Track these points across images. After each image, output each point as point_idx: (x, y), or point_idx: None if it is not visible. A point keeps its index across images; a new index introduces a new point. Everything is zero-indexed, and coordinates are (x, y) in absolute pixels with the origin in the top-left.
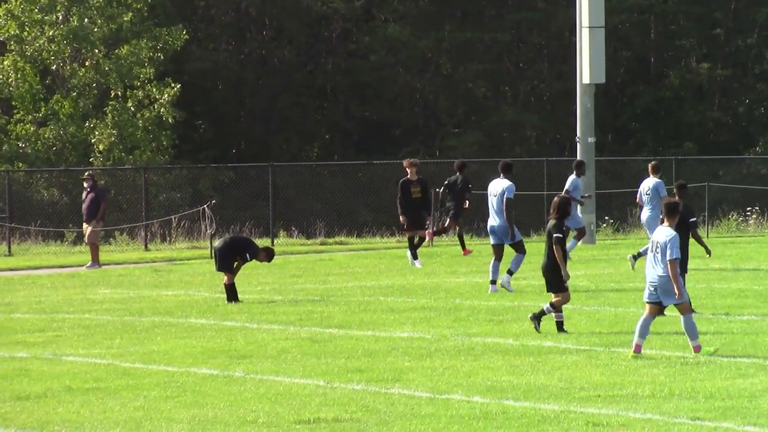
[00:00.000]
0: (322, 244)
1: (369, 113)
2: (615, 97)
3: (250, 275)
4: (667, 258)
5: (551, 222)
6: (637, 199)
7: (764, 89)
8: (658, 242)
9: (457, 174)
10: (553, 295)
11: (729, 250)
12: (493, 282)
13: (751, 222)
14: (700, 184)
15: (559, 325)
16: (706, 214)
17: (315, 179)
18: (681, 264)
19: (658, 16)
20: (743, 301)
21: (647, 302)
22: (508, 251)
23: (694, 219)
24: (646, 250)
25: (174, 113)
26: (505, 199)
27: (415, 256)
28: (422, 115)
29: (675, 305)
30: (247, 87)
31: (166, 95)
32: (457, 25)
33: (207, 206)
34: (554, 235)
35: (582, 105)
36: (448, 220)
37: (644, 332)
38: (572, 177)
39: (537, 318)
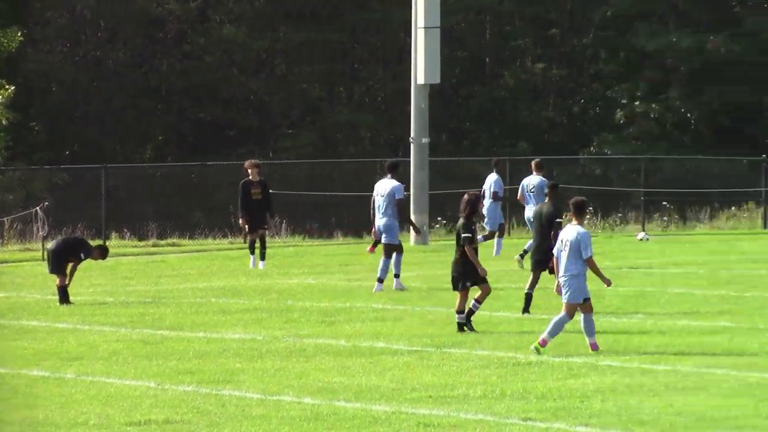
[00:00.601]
0: (154, 245)
1: (204, 114)
2: (450, 98)
3: (83, 277)
4: (584, 257)
5: (460, 221)
6: (518, 197)
7: (599, 89)
8: (568, 240)
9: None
10: (460, 293)
11: None
12: (380, 280)
13: (585, 222)
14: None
15: (470, 314)
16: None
17: (148, 181)
18: (543, 264)
19: (494, 16)
20: None
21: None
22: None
23: (560, 220)
24: (530, 247)
25: (8, 115)
26: (396, 201)
27: (261, 257)
28: (257, 116)
29: (579, 302)
30: (82, 89)
31: (0, 97)
32: (292, 26)
33: (39, 208)
34: (463, 236)
35: (416, 105)
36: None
37: (586, 330)
38: (493, 175)
39: (467, 321)
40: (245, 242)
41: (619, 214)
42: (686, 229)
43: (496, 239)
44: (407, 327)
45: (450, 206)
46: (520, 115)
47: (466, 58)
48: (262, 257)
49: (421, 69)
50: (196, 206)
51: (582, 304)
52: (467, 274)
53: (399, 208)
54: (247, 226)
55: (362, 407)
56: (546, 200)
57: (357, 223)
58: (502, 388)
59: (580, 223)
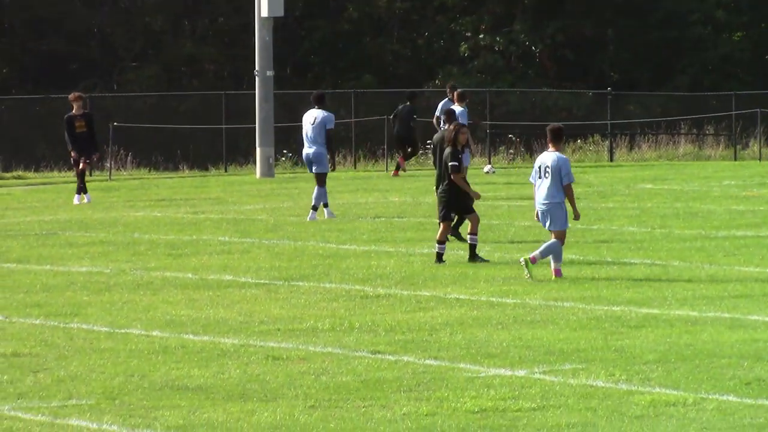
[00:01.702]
0: (19, 177)
1: (47, 47)
2: (293, 31)
3: None
4: (563, 183)
5: (447, 150)
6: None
7: (443, 22)
8: (547, 166)
9: (407, 103)
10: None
11: (409, 184)
12: (314, 208)
13: (430, 154)
14: (380, 117)
15: (473, 249)
16: (385, 147)
17: None
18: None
19: None
20: (422, 234)
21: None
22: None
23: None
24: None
25: None
26: (326, 130)
27: (84, 191)
28: (100, 48)
29: (552, 231)
30: None
31: None
32: None
33: None
34: (450, 164)
35: (260, 38)
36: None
37: (547, 252)
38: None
39: (474, 255)
40: (75, 175)
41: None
42: (532, 162)
43: None
44: (254, 260)
45: (295, 139)
46: (364, 48)
47: None
48: (85, 190)
49: (265, 2)
50: (41, 139)
51: (559, 231)
52: (453, 204)
53: (329, 138)
54: (76, 159)
55: (210, 340)
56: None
57: (202, 155)
58: (351, 321)
59: (558, 150)
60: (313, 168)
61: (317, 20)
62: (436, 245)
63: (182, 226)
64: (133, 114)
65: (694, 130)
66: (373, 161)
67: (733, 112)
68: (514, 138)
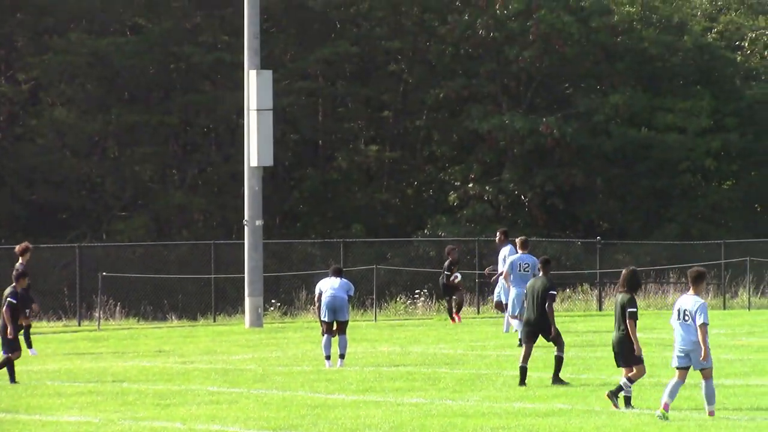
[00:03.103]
0: None
1: (36, 196)
2: (283, 180)
3: None
4: (698, 323)
5: (623, 296)
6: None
7: (432, 171)
8: (686, 309)
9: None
10: (624, 370)
11: (398, 333)
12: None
13: (419, 304)
14: (368, 267)
15: (627, 400)
16: (374, 297)
17: None
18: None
19: (326, 98)
20: (411, 383)
21: (677, 368)
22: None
23: (554, 292)
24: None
25: None
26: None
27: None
28: (89, 198)
29: (700, 370)
30: None
31: None
32: (124, 108)
33: None
34: (629, 310)
35: (250, 188)
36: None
37: (674, 394)
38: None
39: (614, 394)
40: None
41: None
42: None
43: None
44: (243, 410)
45: (285, 288)
46: (353, 198)
47: (298, 140)
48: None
49: (254, 151)
50: (30, 289)
51: (704, 370)
52: (627, 351)
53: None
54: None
55: None
56: (540, 274)
57: (191, 305)
58: None
59: (698, 293)
60: (337, 315)
61: (306, 169)
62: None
63: (171, 376)
64: (122, 264)
65: (683, 279)
66: (362, 311)
67: (722, 261)
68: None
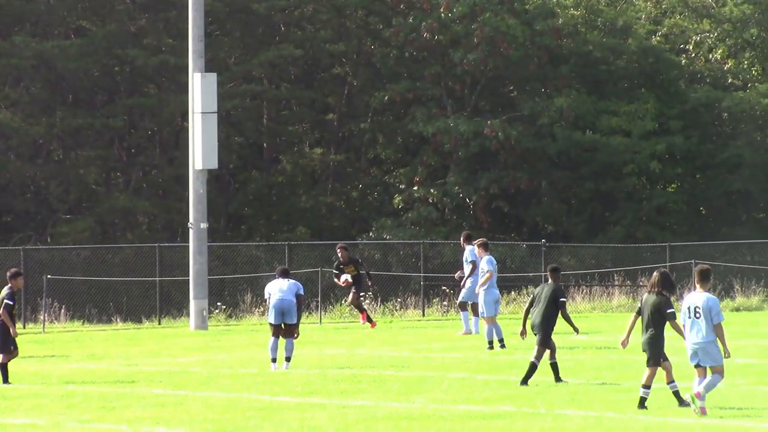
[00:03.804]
0: None
1: None
2: (227, 183)
3: None
4: (714, 323)
5: (657, 298)
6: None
7: (377, 174)
8: (696, 306)
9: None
10: (652, 369)
11: (343, 336)
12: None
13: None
14: (314, 269)
15: (677, 395)
16: (319, 299)
17: None
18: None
19: (271, 101)
20: (356, 386)
21: (696, 366)
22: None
23: (564, 299)
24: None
25: None
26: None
27: None
28: (33, 201)
29: (710, 367)
30: None
31: None
32: (68, 111)
33: None
34: (668, 311)
35: (194, 190)
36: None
37: (708, 387)
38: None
39: (679, 399)
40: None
41: (399, 299)
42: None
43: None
44: (188, 412)
45: (230, 291)
46: (298, 201)
47: (243, 143)
48: None
49: (199, 154)
50: None
51: (715, 366)
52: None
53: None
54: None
55: None
56: (549, 281)
57: (135, 307)
58: None
59: (705, 290)
60: (285, 318)
61: (251, 172)
62: (641, 389)
63: (116, 379)
64: (66, 266)
65: (628, 282)
66: (307, 314)
67: (667, 264)
68: (447, 290)
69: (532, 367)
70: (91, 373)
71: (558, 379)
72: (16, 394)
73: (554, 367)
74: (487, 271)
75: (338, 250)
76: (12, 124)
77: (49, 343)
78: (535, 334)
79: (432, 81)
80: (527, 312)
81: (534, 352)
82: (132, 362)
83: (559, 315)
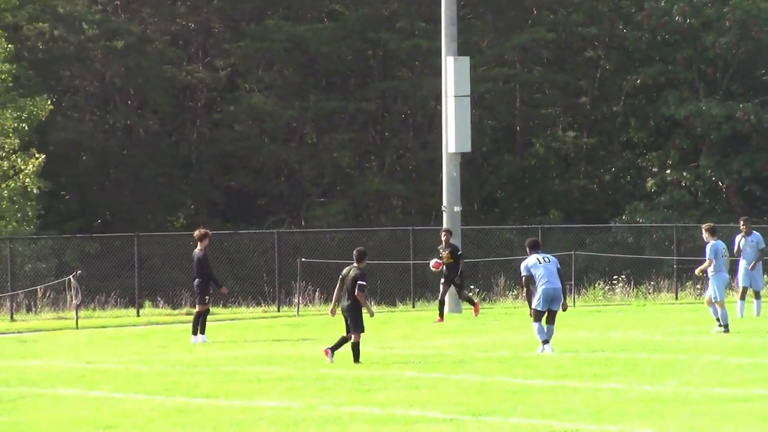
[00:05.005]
0: (187, 314)
1: (234, 183)
2: (481, 166)
3: (117, 345)
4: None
5: None
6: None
7: (630, 157)
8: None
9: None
10: None
11: (596, 319)
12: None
13: (618, 290)
14: (567, 252)
15: None
16: (572, 282)
17: (180, 249)
18: None
19: (524, 85)
20: (609, 369)
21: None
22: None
23: None
24: None
25: (39, 183)
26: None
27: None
28: (287, 184)
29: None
30: (112, 157)
31: (30, 166)
32: (322, 94)
33: (72, 277)
34: None
35: (448, 174)
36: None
37: None
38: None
39: None
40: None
41: (652, 282)
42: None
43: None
44: (441, 395)
45: (483, 274)
46: (551, 184)
47: (496, 126)
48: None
49: (452, 137)
50: (229, 275)
51: None
52: None
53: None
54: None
55: None
56: None
57: (389, 291)
58: None
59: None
60: (552, 305)
61: (504, 155)
62: None
63: (369, 362)
64: (320, 249)
65: None
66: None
67: None
68: (700, 274)
69: None
70: (345, 357)
71: None
72: (271, 377)
73: None
74: (707, 259)
75: (442, 233)
76: (266, 108)
77: (303, 327)
78: None
79: (684, 64)
80: None
81: None
82: (386, 345)
83: None
